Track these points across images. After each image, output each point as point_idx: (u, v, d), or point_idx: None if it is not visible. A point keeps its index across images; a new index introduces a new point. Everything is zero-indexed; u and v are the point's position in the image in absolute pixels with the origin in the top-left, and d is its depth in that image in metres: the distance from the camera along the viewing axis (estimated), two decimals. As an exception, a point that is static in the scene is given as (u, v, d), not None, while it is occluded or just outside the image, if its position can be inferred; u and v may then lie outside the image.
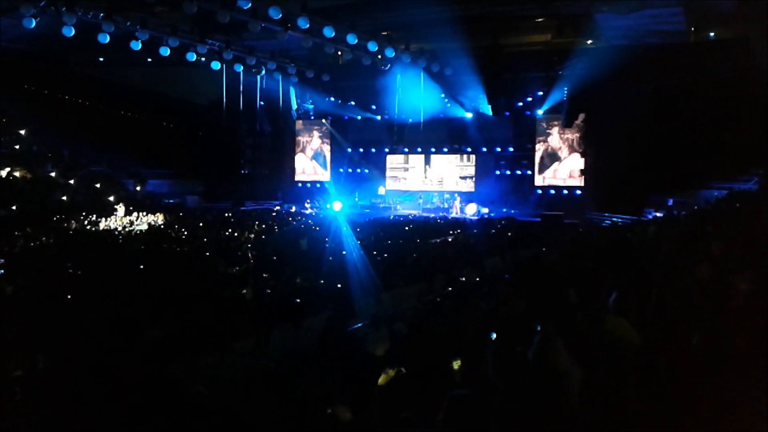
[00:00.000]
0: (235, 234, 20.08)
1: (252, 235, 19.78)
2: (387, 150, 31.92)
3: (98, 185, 28.64)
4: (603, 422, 3.67)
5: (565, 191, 27.57)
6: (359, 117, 31.79)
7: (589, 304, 5.53)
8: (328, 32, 21.37)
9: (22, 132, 28.67)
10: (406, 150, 31.53)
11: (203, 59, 25.28)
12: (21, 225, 20.41)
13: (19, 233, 19.19)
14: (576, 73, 24.93)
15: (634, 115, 23.64)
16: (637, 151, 24.20)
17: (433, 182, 31.07)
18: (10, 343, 6.75)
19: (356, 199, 30.88)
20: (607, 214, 24.22)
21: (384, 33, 24.46)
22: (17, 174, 26.49)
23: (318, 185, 32.81)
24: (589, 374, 3.98)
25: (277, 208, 30.73)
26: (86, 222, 23.03)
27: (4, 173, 25.93)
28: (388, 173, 32.02)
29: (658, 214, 20.75)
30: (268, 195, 32.79)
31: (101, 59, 30.13)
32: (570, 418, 3.72)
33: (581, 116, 26.99)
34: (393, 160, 32.05)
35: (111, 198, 27.38)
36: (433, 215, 27.53)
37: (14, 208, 23.34)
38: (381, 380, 4.52)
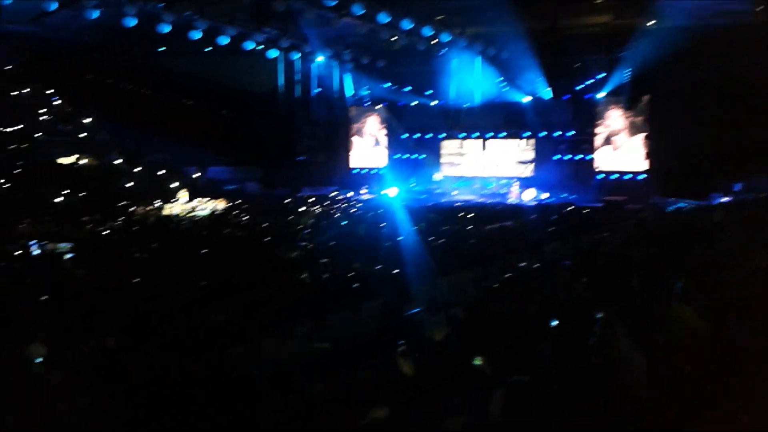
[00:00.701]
0: (293, 220, 20.34)
1: (311, 221, 20.01)
2: (443, 135, 31.72)
3: (161, 172, 29.43)
4: (667, 410, 3.60)
5: (628, 175, 26.86)
6: (414, 102, 31.67)
7: (653, 291, 5.41)
8: (383, 18, 21.35)
9: (87, 121, 29.65)
10: (462, 135, 31.24)
11: (260, 47, 25.59)
12: (88, 211, 21.15)
13: (86, 219, 19.90)
14: (638, 54, 24.13)
15: (699, 98, 22.85)
16: (703, 134, 23.35)
17: (490, 167, 30.71)
18: (82, 324, 7.04)
19: (412, 185, 30.79)
20: (672, 199, 23.52)
21: (439, 17, 24.25)
22: (83, 162, 27.45)
23: (374, 171, 32.86)
24: (653, 362, 3.90)
25: (334, 194, 30.89)
26: (151, 208, 23.72)
27: (71, 161, 26.90)
28: (444, 159, 31.77)
29: (724, 199, 20.12)
30: (325, 181, 32.99)
31: (161, 49, 30.81)
32: (632, 406, 3.65)
33: (645, 98, 26.24)
34: (448, 146, 31.81)
35: (174, 185, 28.09)
36: (490, 201, 27.23)
37: (82, 194, 24.19)
38: (406, 370, 4.48)
